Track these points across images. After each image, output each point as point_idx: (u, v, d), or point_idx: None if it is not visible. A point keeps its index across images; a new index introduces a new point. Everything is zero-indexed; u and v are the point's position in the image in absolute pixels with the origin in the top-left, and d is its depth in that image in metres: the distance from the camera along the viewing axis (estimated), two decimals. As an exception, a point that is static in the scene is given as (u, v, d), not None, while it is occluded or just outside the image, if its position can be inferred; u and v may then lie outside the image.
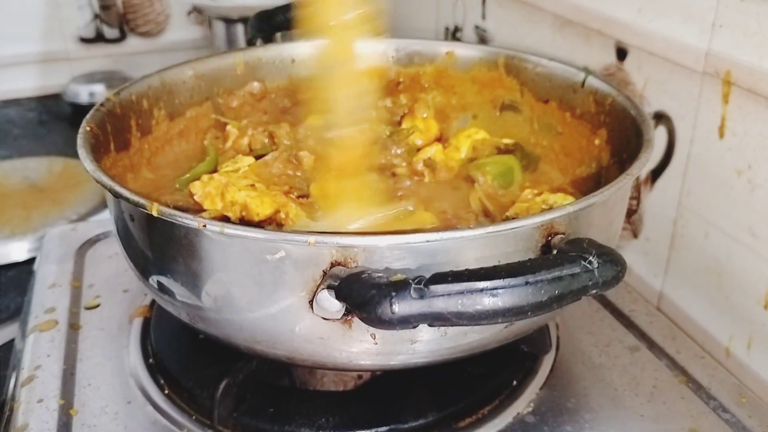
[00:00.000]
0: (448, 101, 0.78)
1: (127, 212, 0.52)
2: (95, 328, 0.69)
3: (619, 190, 0.50)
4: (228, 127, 0.72)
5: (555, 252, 0.44)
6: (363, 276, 0.40)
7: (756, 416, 0.59)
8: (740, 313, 0.66)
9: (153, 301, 0.71)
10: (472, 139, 0.71)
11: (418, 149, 0.71)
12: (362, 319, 0.39)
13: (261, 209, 0.56)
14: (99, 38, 1.61)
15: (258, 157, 0.66)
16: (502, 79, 0.75)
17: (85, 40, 1.60)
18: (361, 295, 0.39)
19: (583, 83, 0.67)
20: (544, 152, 0.72)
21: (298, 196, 0.61)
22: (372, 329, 0.45)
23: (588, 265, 0.40)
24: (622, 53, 0.75)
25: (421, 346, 0.48)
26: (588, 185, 0.66)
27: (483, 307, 0.38)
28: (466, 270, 0.39)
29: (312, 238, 0.43)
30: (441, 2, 1.13)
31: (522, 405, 0.60)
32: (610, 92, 0.64)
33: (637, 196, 0.77)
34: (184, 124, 0.73)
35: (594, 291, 0.40)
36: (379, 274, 0.40)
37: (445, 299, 0.38)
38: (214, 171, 0.65)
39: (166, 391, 0.61)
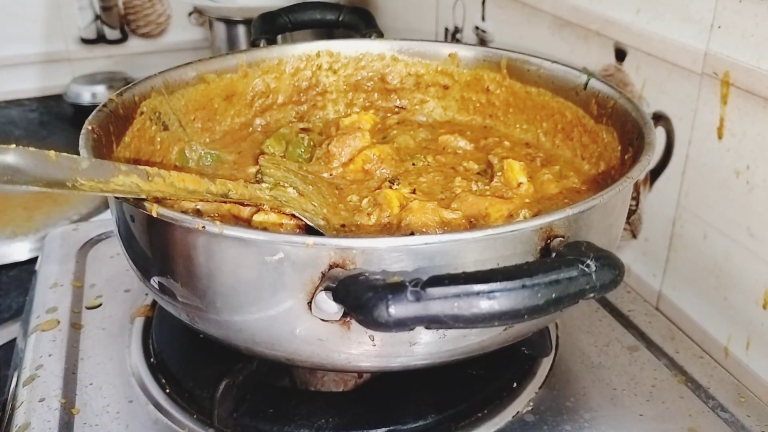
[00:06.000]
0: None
1: (128, 213, 0.52)
2: (97, 327, 0.70)
3: (620, 193, 0.50)
4: None
5: (553, 255, 0.44)
6: (360, 278, 0.40)
7: (754, 415, 0.59)
8: (739, 313, 0.66)
9: (154, 301, 0.71)
10: None
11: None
12: (359, 321, 0.39)
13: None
14: (100, 39, 1.61)
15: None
16: (504, 80, 0.75)
17: (86, 41, 1.60)
18: (358, 297, 0.39)
19: (585, 85, 0.67)
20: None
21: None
22: (370, 331, 0.45)
23: (586, 269, 0.40)
24: (621, 54, 0.75)
25: (420, 348, 0.48)
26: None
27: (479, 310, 0.37)
28: (462, 273, 0.39)
29: (311, 240, 0.43)
30: (441, 3, 1.13)
31: (521, 404, 0.60)
32: (613, 95, 0.64)
33: (636, 196, 0.77)
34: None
35: (591, 295, 0.40)
36: (377, 277, 0.40)
37: (441, 302, 0.37)
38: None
39: (168, 391, 0.61)
